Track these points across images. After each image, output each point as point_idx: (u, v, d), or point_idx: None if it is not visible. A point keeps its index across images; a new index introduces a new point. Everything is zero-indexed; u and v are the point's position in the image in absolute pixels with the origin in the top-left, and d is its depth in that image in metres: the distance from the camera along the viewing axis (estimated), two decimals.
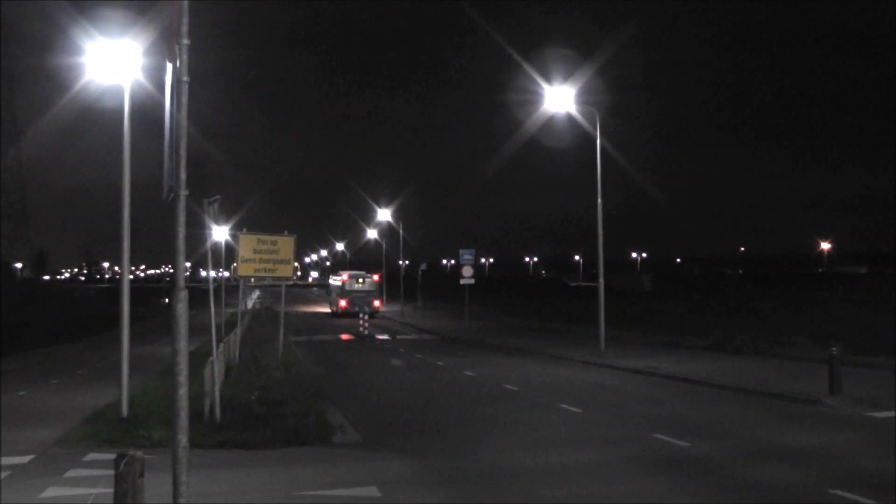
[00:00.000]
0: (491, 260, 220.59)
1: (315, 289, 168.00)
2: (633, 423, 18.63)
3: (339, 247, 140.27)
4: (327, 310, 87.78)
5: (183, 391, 8.13)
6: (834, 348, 20.80)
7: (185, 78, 8.11)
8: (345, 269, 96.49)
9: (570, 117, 35.15)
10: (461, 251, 51.26)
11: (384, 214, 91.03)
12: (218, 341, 21.15)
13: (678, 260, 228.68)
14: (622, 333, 42.96)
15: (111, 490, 8.21)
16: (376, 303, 79.61)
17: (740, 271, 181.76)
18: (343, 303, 79.55)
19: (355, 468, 14.33)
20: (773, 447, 15.52)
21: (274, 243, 23.63)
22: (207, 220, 18.95)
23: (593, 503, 11.88)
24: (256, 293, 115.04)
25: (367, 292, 79.85)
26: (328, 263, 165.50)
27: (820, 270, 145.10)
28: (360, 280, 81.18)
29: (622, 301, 69.14)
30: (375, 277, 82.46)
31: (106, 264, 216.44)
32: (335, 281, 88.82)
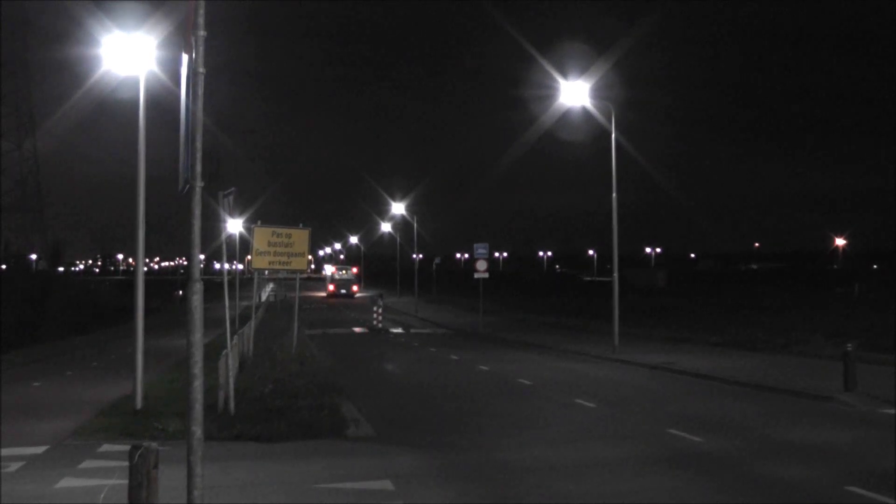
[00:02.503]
0: (505, 254, 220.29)
1: None
2: (648, 418, 18.60)
3: (353, 240, 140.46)
4: (323, 293, 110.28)
5: (198, 383, 8.13)
6: (849, 345, 20.70)
7: (201, 69, 8.11)
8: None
9: (585, 112, 35.10)
10: (475, 245, 51.13)
11: (399, 208, 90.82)
12: (232, 334, 21.18)
13: (692, 256, 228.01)
14: (636, 329, 42.86)
15: (125, 481, 8.24)
16: (354, 287, 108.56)
17: (755, 267, 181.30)
18: (331, 287, 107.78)
19: (369, 462, 14.34)
20: (787, 443, 15.47)
21: (289, 236, 23.64)
22: (222, 212, 18.93)
23: (607, 500, 11.84)
24: (271, 286, 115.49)
25: (348, 280, 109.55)
26: (342, 257, 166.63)
27: (835, 267, 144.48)
28: (344, 271, 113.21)
29: (637, 297, 68.98)
30: (354, 270, 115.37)
31: (120, 256, 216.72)
32: (327, 271, 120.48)
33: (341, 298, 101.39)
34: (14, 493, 12.27)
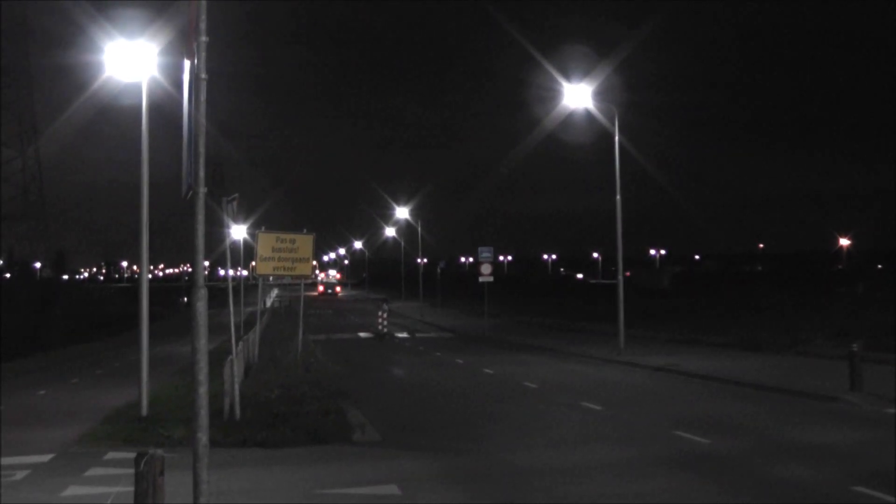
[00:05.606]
0: (509, 258, 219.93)
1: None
2: (654, 420, 18.56)
3: (358, 245, 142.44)
4: (314, 293, 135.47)
5: (203, 389, 8.13)
6: (854, 345, 20.66)
7: (203, 75, 8.11)
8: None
9: (588, 115, 35.05)
10: (480, 249, 51.09)
11: (402, 212, 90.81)
12: (237, 340, 21.16)
13: (697, 257, 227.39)
14: (641, 331, 42.76)
15: (131, 489, 8.23)
16: (338, 288, 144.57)
17: (759, 268, 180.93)
18: (321, 288, 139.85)
19: (375, 466, 14.32)
20: (793, 444, 15.43)
21: (293, 241, 23.62)
22: (226, 218, 18.93)
23: (614, 501, 11.82)
24: (275, 292, 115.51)
25: (333, 283, 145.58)
26: (346, 262, 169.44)
27: (840, 267, 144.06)
28: (330, 276, 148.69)
29: (641, 298, 68.80)
30: (338, 276, 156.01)
31: (125, 263, 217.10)
32: (320, 276, 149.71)
33: (328, 296, 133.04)
34: (20, 501, 12.27)
